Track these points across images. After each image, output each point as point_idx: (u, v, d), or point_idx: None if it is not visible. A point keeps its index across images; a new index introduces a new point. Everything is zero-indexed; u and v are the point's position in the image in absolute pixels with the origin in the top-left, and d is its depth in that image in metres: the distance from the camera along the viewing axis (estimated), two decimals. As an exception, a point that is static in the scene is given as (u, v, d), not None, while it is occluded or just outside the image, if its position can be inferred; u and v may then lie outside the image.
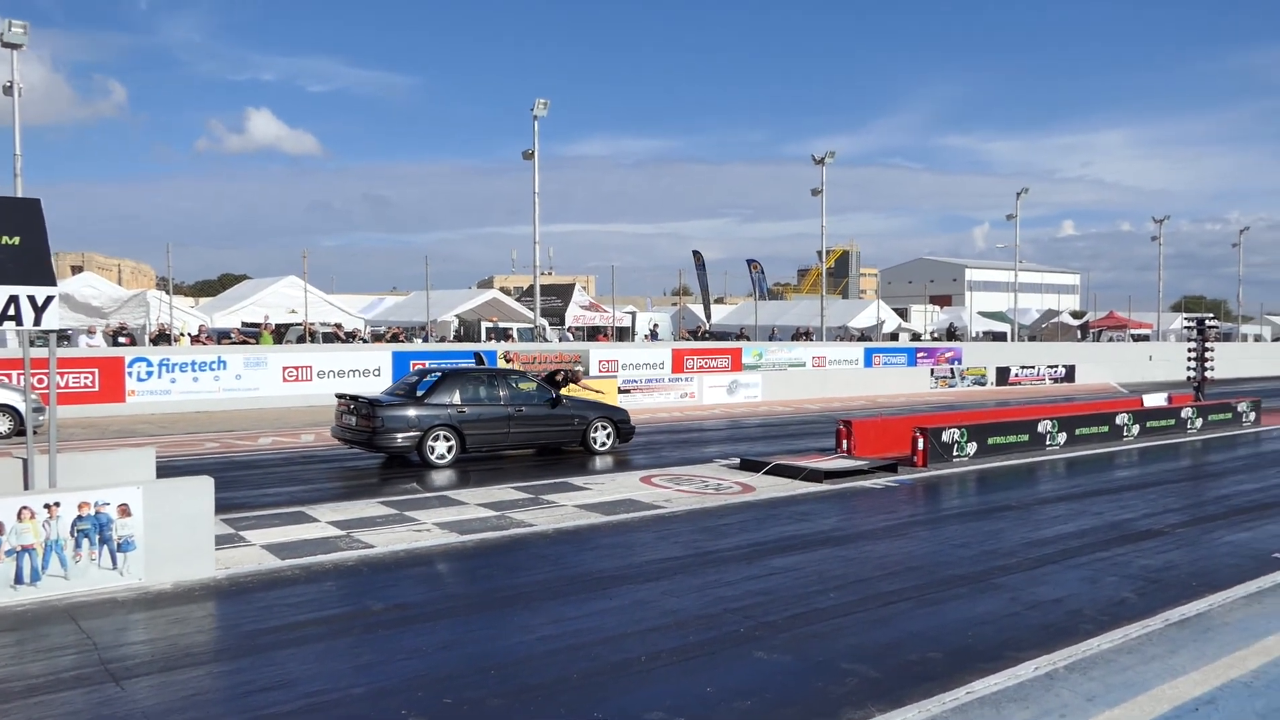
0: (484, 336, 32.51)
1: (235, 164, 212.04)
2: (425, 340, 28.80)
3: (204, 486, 7.68)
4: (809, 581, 7.78)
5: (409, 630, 6.48)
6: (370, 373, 24.31)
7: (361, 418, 13.78)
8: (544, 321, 33.46)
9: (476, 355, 23.39)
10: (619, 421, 16.05)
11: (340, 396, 14.68)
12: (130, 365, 21.12)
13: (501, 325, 34.31)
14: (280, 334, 28.80)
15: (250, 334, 28.18)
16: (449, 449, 13.92)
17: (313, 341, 27.79)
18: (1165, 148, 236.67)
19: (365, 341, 29.32)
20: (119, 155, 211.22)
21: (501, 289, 53.83)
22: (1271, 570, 8.18)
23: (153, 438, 16.97)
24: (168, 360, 21.60)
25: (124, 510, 7.26)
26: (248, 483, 12.53)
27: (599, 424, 15.65)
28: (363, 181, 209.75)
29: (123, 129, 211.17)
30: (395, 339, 28.81)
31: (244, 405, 22.13)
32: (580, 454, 15.34)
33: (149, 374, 21.28)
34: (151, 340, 24.18)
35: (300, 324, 28.70)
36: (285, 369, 23.11)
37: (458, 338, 33.65)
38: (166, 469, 12.12)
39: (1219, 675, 5.53)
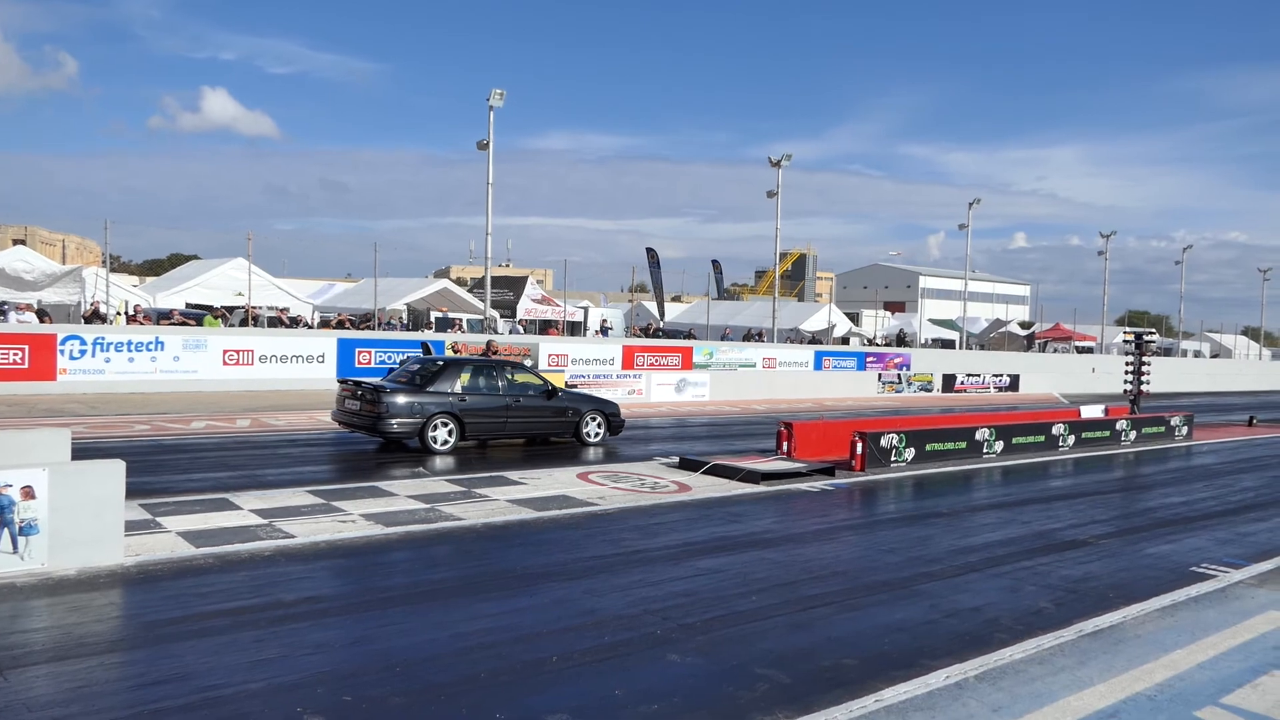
0: (433, 326, 32.09)
1: (190, 143, 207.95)
2: (384, 327, 28.40)
3: (114, 470, 7.42)
4: (733, 584, 7.73)
5: (319, 624, 6.31)
6: (314, 359, 23.90)
7: (366, 403, 14.03)
8: (494, 313, 33.16)
9: (424, 345, 23.07)
10: (610, 414, 16.47)
11: (343, 382, 15.06)
12: (63, 343, 20.51)
13: (451, 316, 33.95)
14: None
15: (193, 316, 27.55)
16: (449, 435, 14.20)
17: (256, 325, 27.24)
18: (1116, 166, 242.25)
19: (310, 327, 28.83)
20: (71, 129, 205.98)
21: (458, 279, 53.31)
22: (1188, 584, 8.31)
23: (81, 418, 16.50)
24: (102, 339, 21.00)
25: (27, 493, 6.98)
26: (173, 467, 12.20)
27: (591, 416, 16.07)
28: (321, 166, 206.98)
29: (75, 103, 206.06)
30: (341, 326, 28.37)
31: (181, 388, 21.61)
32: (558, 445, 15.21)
33: (82, 352, 20.68)
34: (85, 319, 23.50)
35: (244, 307, 28.13)
36: (226, 352, 22.61)
37: (404, 326, 33.22)
38: (89, 451, 11.78)
39: (1124, 688, 5.57)
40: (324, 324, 30.85)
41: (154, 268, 69.97)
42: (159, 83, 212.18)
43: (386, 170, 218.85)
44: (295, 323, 30.30)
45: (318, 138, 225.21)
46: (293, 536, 8.52)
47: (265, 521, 9.03)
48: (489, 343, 23.67)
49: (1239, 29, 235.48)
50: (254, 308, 28.26)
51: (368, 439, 15.09)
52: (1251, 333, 74.24)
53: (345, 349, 24.25)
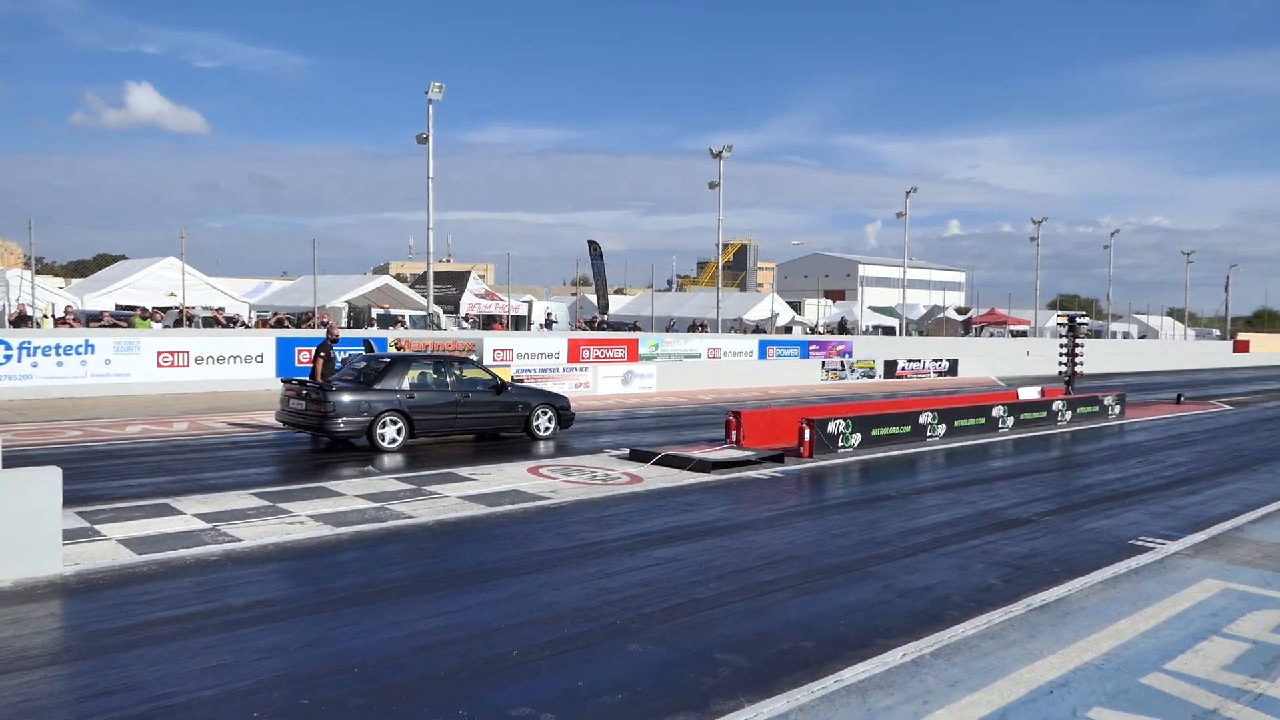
0: (374, 323, 31.63)
1: (114, 140, 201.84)
2: (338, 328, 27.86)
3: (50, 477, 7.17)
4: (690, 572, 7.77)
5: (271, 628, 6.18)
6: (253, 359, 23.39)
7: (312, 403, 13.81)
8: (437, 309, 32.82)
9: (366, 343, 22.66)
10: (560, 408, 16.40)
11: (287, 381, 14.74)
12: (-14, 348, 19.76)
13: (394, 312, 33.51)
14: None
15: (124, 318, 26.77)
16: (398, 433, 14.01)
17: (190, 326, 26.57)
18: (1046, 154, 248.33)
19: (247, 326, 28.21)
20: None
21: (397, 276, 52.64)
22: (1127, 556, 8.57)
23: (9, 425, 15.92)
24: (29, 343, 20.29)
25: (-43, 503, 6.71)
26: (109, 473, 11.85)
27: (541, 410, 16.02)
28: (252, 162, 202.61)
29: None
30: (279, 324, 27.80)
31: (114, 392, 21.00)
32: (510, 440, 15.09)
33: (7, 357, 19.96)
34: (11, 322, 22.68)
35: (177, 307, 27.41)
36: (160, 354, 22.01)
37: (347, 324, 32.70)
38: (20, 459, 11.36)
39: (1073, 659, 5.72)
40: (262, 323, 30.21)
41: (80, 269, 67.76)
42: (80, 78, 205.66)
43: (320, 166, 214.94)
44: (232, 322, 29.63)
45: (249, 133, 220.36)
46: (239, 540, 8.34)
47: (209, 526, 8.82)
48: (363, 340, 23.09)
49: (1163, 19, 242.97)
50: (188, 308, 27.57)
51: (313, 439, 14.83)
52: (1176, 314, 76.89)
53: (285, 348, 23.77)
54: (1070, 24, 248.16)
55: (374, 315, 33.06)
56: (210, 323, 28.33)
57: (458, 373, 15.22)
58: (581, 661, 5.70)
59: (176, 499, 10.01)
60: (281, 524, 9.02)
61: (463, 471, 12.25)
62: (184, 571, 7.39)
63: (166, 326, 26.22)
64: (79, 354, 20.86)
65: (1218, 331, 77.35)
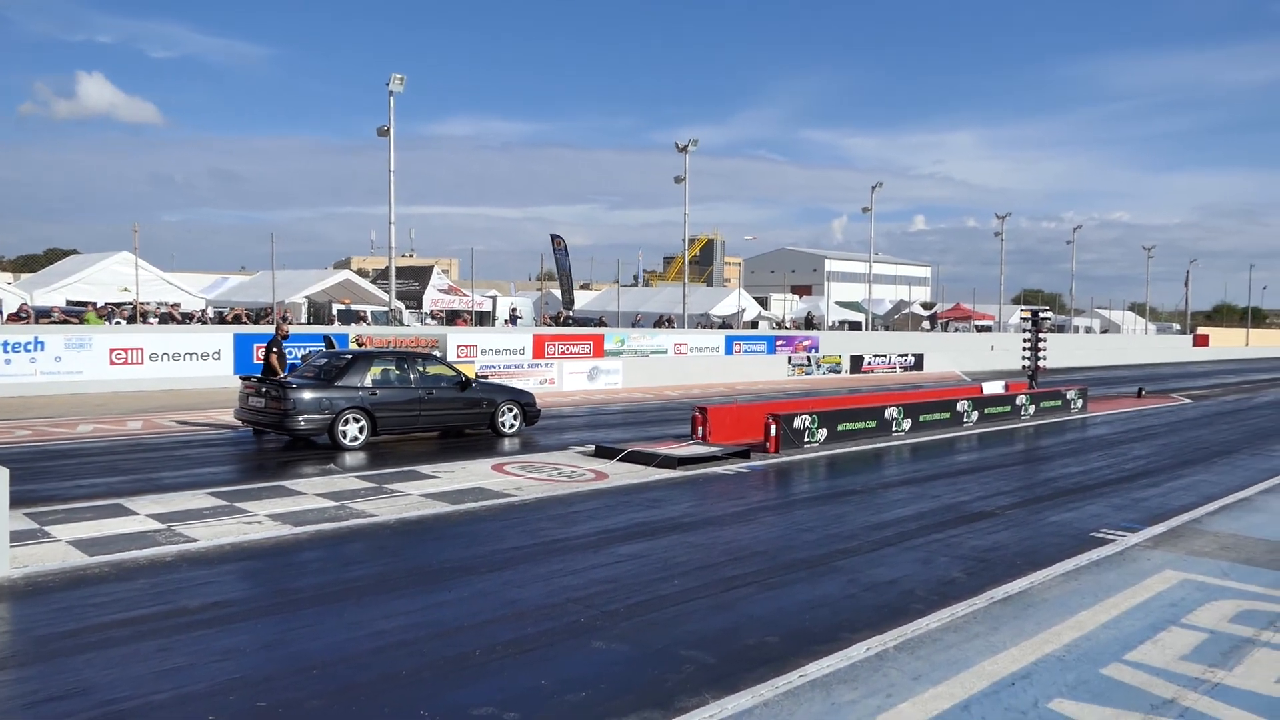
0: (335, 319, 31.31)
1: (65, 131, 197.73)
2: (287, 324, 27.50)
3: (-4, 478, 7.01)
4: (655, 569, 7.77)
5: (227, 630, 6.10)
6: (210, 356, 23.06)
7: (271, 400, 13.66)
8: (400, 305, 32.58)
9: (326, 339, 22.47)
10: (525, 404, 16.36)
11: (245, 379, 14.56)
12: (-70, 345, 19.30)
13: (355, 308, 33.18)
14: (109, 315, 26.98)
15: (75, 314, 26.26)
16: (360, 431, 13.88)
17: (145, 322, 26.13)
18: (1008, 149, 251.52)
19: (204, 323, 27.81)
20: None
21: (359, 270, 52.12)
22: (1089, 549, 8.70)
23: (-46, 425, 15.56)
24: (-25, 340, 19.84)
25: (-102, 505, 6.55)
26: (60, 474, 11.63)
27: (506, 407, 15.95)
28: (210, 155, 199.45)
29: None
30: (238, 320, 27.44)
31: (65, 390, 20.61)
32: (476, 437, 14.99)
33: (-47, 355, 19.49)
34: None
35: (131, 303, 26.95)
36: (113, 351, 21.63)
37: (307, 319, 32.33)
38: (-35, 459, 11.11)
39: (1035, 650, 5.80)
40: (219, 319, 29.78)
41: (30, 264, 66.34)
42: (30, 67, 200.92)
43: (279, 159, 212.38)
44: (188, 319, 29.19)
45: (205, 125, 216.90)
46: (194, 540, 8.22)
47: (164, 526, 8.69)
48: (278, 324, 22.80)
49: (1126, 15, 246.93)
50: (143, 304, 27.11)
51: (272, 437, 14.67)
52: (1138, 308, 78.21)
53: (243, 345, 23.45)
54: (1034, 19, 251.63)
55: (335, 311, 32.72)
56: (165, 319, 27.88)
57: (421, 369, 15.13)
58: (545, 660, 5.68)
59: (130, 499, 9.84)
60: (239, 524, 8.90)
61: (425, 469, 12.17)
62: (137, 573, 7.27)
63: (117, 323, 25.75)
64: (28, 351, 20.44)
65: (1178, 326, 78.94)
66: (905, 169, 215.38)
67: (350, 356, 14.81)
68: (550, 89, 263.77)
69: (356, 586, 7.12)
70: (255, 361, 23.03)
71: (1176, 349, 62.86)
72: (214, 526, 8.75)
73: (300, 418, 13.46)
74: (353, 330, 26.30)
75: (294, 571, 7.63)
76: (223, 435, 15.51)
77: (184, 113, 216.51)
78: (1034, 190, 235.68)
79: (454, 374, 15.65)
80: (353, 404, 13.88)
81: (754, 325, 46.56)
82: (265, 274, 32.80)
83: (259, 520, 9.07)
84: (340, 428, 13.72)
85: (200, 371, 22.77)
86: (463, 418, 15.54)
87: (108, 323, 25.20)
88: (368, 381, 14.23)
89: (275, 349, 16.37)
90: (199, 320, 29.62)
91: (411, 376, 14.86)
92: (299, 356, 18.91)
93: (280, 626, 6.22)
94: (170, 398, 20.73)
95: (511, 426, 15.96)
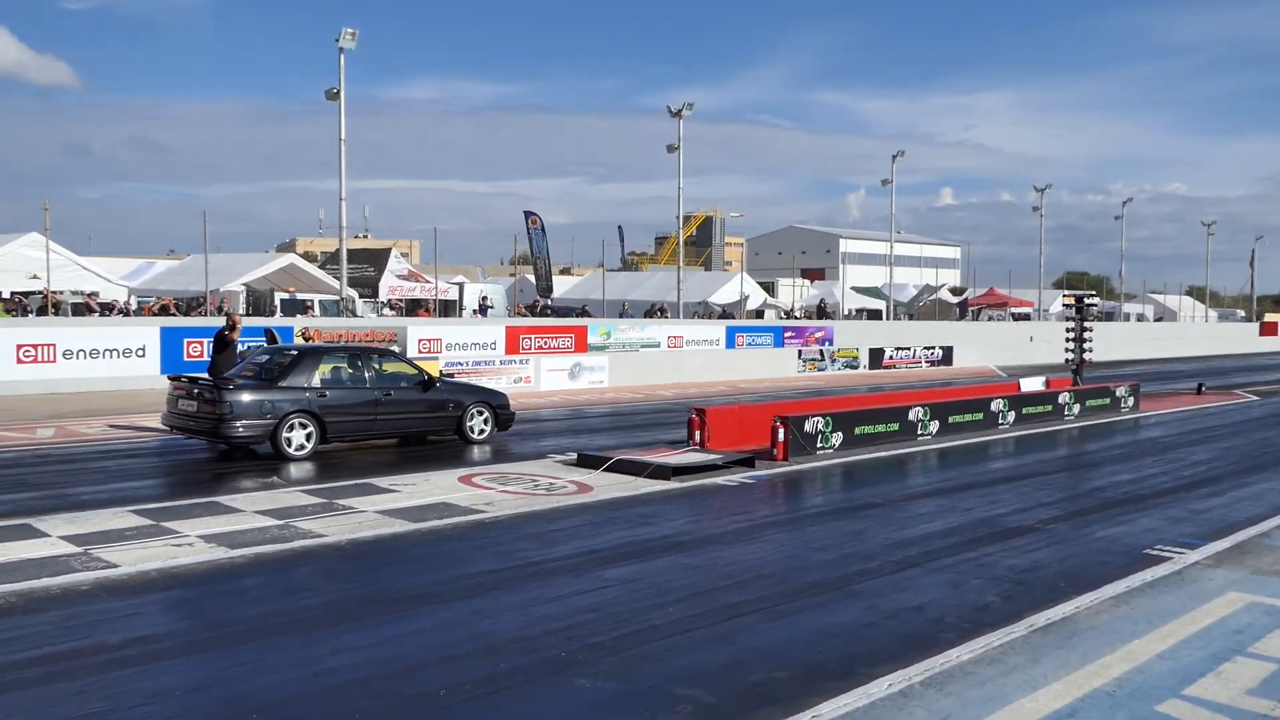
0: (278, 310, 31.25)
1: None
2: (238, 314, 27.45)
3: (-116, 496, 6.96)
4: (646, 594, 7.78)
5: (154, 668, 6.07)
6: (133, 352, 22.96)
7: (205, 403, 13.58)
8: (352, 293, 32.51)
9: (268, 332, 22.44)
10: (498, 407, 16.36)
11: (175, 379, 14.47)
12: None
13: (300, 297, 33.12)
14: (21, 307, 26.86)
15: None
16: (308, 438, 13.83)
17: (58, 314, 26.02)
18: (1049, 112, 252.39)
19: (126, 314, 27.71)
20: None
21: (305, 254, 52.06)
22: (1142, 568, 8.74)
23: None
24: None
25: None
26: (-40, 490, 11.56)
27: (476, 410, 15.96)
28: (131, 121, 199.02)
29: None
30: (165, 311, 27.36)
31: (-35, 393, 20.47)
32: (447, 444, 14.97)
33: None
34: None
35: (41, 292, 26.83)
36: (20, 348, 21.49)
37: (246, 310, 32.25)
38: None
39: (1081, 685, 5.82)
40: (146, 310, 29.67)
41: (-76, 248, 65.98)
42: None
43: (212, 125, 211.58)
44: (108, 310, 29.08)
45: (126, 87, 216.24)
46: (115, 566, 8.19)
47: (79, 550, 8.65)
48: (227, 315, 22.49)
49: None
50: (55, 293, 26.98)
51: (208, 446, 14.63)
52: (1196, 293, 78.75)
53: (171, 339, 23.36)
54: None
55: (277, 300, 32.65)
56: (81, 310, 27.76)
57: (377, 367, 15.13)
58: (520, 700, 5.67)
59: (40, 519, 9.79)
60: (166, 546, 8.86)
61: (382, 482, 12.15)
62: (48, 604, 7.23)
63: (22, 315, 25.64)
64: (-78, 348, 20.30)
65: (1242, 312, 79.42)
66: (931, 135, 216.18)
67: (296, 353, 14.78)
68: (524, 46, 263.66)
69: (303, 618, 7.10)
70: (186, 359, 22.97)
71: (1241, 338, 63.23)
72: (138, 550, 8.70)
73: (238, 423, 13.40)
74: (298, 323, 26.25)
75: (230, 601, 7.59)
76: (148, 444, 15.44)
77: (102, 73, 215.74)
78: (1077, 159, 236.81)
79: (415, 372, 15.65)
80: (299, 407, 13.85)
81: (759, 315, 46.67)
82: (197, 258, 32.70)
83: (190, 542, 9.03)
84: (284, 434, 13.68)
85: (122, 370, 22.65)
86: (426, 422, 15.53)
87: (14, 315, 25.08)
88: (316, 381, 14.20)
89: (223, 345, 15.97)
90: (120, 311, 29.51)
91: (366, 375, 14.84)
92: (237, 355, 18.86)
93: (215, 664, 6.20)
94: (87, 400, 20.62)
95: (482, 432, 15.97)
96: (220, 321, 18.28)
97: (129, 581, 7.84)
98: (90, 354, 22.37)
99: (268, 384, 13.93)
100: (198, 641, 6.63)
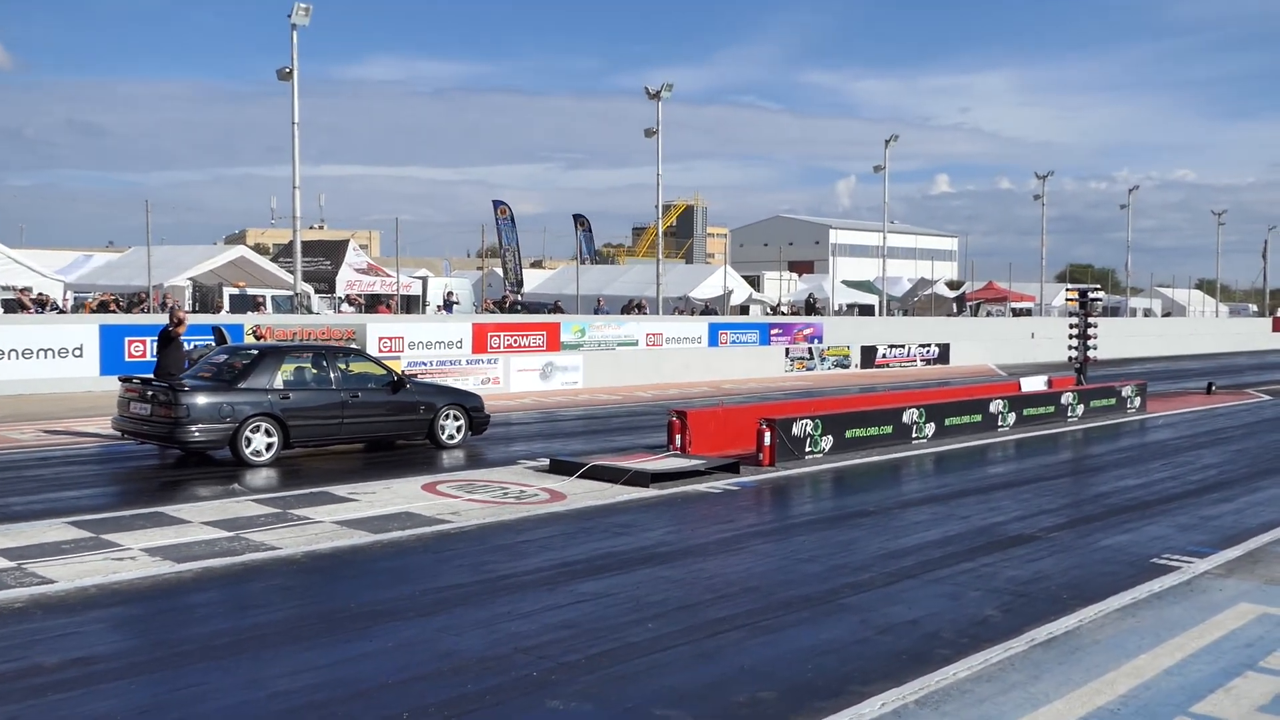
0: (227, 306, 31.09)
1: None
2: (184, 310, 27.27)
3: None
4: (623, 610, 7.80)
5: (94, 692, 6.03)
6: (70, 352, 22.77)
7: (159, 406, 13.53)
8: (307, 288, 32.36)
9: (216, 330, 22.26)
10: (472, 409, 16.41)
11: (126, 380, 14.44)
12: None
13: (251, 292, 32.95)
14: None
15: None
16: (269, 445, 13.83)
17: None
18: (1051, 94, 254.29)
19: (62, 311, 27.50)
20: None
21: (256, 246, 51.83)
22: (1149, 578, 8.83)
23: None
24: None
25: None
26: (-119, 501, 11.45)
27: (448, 412, 16.00)
28: (68, 103, 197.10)
29: None
30: (104, 308, 27.16)
31: (-113, 396, 20.26)
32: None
33: None
34: None
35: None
36: (-53, 348, 21.29)
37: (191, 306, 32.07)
38: None
39: (1084, 703, 5.88)
40: (85, 307, 29.45)
41: None
42: None
43: (155, 108, 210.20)
44: (42, 306, 28.84)
45: (61, 66, 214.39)
46: (51, 582, 8.14)
47: (12, 564, 8.60)
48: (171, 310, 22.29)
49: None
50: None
51: (158, 452, 14.57)
52: (1206, 286, 79.43)
53: (111, 338, 23.18)
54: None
55: (226, 296, 32.47)
56: (13, 307, 27.53)
57: (343, 367, 15.15)
58: (489, 723, 5.68)
59: (-31, 532, 9.71)
60: (107, 560, 8.82)
61: (340, 490, 12.13)
62: (-21, 624, 7.18)
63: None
64: None
65: (1255, 307, 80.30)
66: (925, 119, 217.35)
67: (256, 352, 14.76)
68: (492, 21, 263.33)
69: (255, 636, 7.08)
70: (128, 359, 22.82)
71: (1253, 335, 63.88)
72: (76, 564, 8.66)
73: (195, 427, 13.34)
74: (249, 320, 26.11)
75: (177, 619, 7.57)
76: (87, 450, 15.35)
77: (33, 51, 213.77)
78: (1081, 144, 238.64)
79: (384, 373, 15.66)
80: (260, 410, 13.82)
81: (744, 310, 46.79)
82: (139, 250, 32.44)
83: (132, 555, 9.00)
84: (245, 439, 13.64)
85: (58, 371, 22.47)
86: (395, 426, 15.55)
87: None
88: (278, 382, 14.17)
89: (167, 343, 15.78)
90: (56, 308, 29.28)
91: (332, 376, 14.84)
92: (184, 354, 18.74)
93: (160, 687, 6.17)
94: (19, 404, 20.47)
95: (454, 436, 16.00)
96: (165, 319, 18.14)
97: (67, 598, 7.79)
98: (23, 354, 22.17)
99: (227, 385, 13.89)
100: (141, 663, 6.59)
